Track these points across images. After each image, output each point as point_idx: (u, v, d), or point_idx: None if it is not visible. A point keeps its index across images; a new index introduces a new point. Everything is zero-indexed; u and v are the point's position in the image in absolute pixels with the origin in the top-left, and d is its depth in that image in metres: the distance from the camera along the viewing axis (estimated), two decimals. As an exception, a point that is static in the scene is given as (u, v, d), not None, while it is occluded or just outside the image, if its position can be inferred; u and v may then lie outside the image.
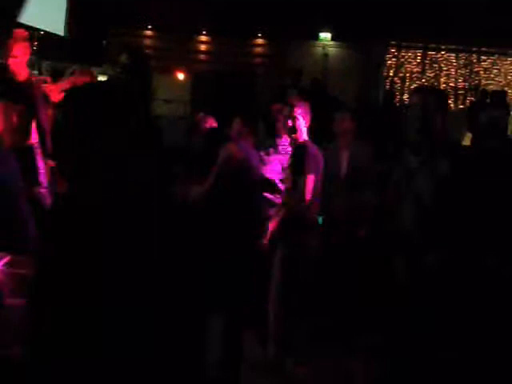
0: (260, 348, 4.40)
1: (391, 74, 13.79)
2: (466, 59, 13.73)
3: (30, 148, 4.01)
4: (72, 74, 4.47)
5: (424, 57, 13.77)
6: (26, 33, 4.50)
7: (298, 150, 4.46)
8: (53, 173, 4.09)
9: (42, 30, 6.11)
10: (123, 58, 3.38)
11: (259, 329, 4.43)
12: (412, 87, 13.63)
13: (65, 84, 4.23)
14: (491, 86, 13.18)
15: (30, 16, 5.91)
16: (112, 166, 2.01)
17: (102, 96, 2.10)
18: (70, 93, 2.10)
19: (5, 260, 2.50)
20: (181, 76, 12.00)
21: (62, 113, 2.00)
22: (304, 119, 4.49)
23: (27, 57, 4.41)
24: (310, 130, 4.61)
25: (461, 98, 13.66)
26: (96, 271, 1.92)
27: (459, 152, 3.63)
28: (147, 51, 11.53)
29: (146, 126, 2.65)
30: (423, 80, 13.71)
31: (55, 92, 4.33)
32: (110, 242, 1.98)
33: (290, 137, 4.56)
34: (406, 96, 13.69)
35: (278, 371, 4.21)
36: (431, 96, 3.45)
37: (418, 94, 3.54)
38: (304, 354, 4.23)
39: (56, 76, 4.86)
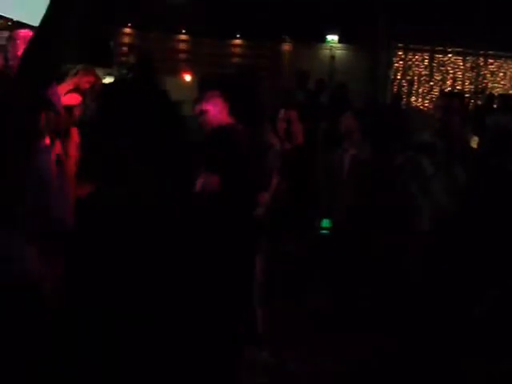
0: (256, 349, 4.39)
1: (399, 77, 13.77)
2: (473, 62, 13.70)
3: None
4: (76, 74, 4.46)
5: (431, 60, 13.75)
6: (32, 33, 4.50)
7: (293, 152, 4.46)
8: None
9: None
10: (130, 59, 3.40)
11: (253, 329, 4.43)
12: (420, 90, 13.63)
13: (68, 85, 4.22)
14: (497, 90, 13.15)
15: (31, 16, 5.91)
16: (149, 165, 2.08)
17: (138, 96, 2.14)
18: (108, 93, 2.13)
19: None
20: (188, 77, 12.03)
21: (94, 114, 2.01)
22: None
23: None
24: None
25: (467, 101, 13.62)
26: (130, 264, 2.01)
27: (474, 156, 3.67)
28: (154, 53, 11.54)
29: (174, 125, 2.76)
30: (431, 83, 13.69)
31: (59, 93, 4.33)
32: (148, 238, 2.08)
33: (284, 140, 4.55)
34: (413, 98, 13.68)
35: (273, 371, 4.21)
36: (454, 100, 3.55)
37: (443, 98, 3.66)
38: (303, 355, 4.23)
39: (61, 77, 4.85)
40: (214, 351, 3.16)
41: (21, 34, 4.43)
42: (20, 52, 4.32)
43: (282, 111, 4.57)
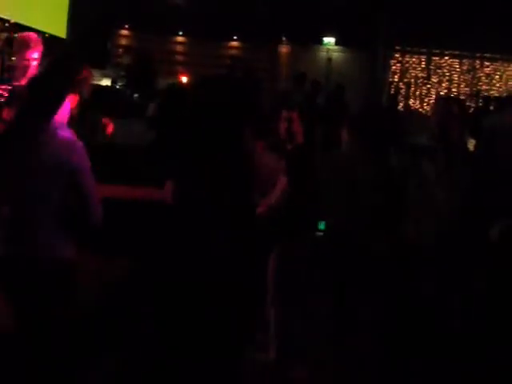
0: (260, 351, 4.40)
1: (396, 79, 13.81)
2: (469, 65, 13.75)
3: None
4: None
5: (428, 62, 13.79)
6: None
7: (294, 151, 4.47)
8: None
9: (45, 33, 6.17)
10: (124, 60, 3.43)
11: (259, 331, 4.43)
12: (417, 92, 13.67)
13: None
14: (492, 92, 13.21)
15: (32, 18, 5.94)
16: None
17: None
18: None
19: None
20: (185, 79, 12.05)
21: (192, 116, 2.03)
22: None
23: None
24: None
25: (464, 104, 13.65)
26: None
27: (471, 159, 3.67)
28: (152, 54, 11.56)
29: None
30: (428, 86, 13.73)
31: None
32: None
33: (286, 139, 4.56)
34: (411, 101, 13.71)
35: (278, 374, 4.21)
36: (453, 104, 3.55)
37: (442, 102, 3.66)
38: (304, 356, 4.23)
39: None
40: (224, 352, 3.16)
41: (33, 38, 4.48)
42: (33, 55, 4.39)
43: (285, 112, 4.57)
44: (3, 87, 4.18)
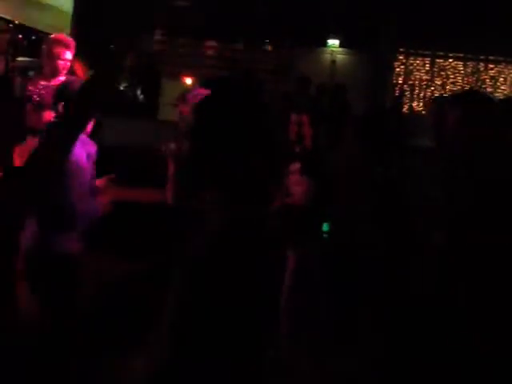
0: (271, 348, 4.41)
1: (400, 82, 13.81)
2: (473, 67, 13.74)
3: None
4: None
5: (432, 64, 13.79)
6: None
7: (308, 154, 4.52)
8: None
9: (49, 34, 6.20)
10: (128, 61, 3.46)
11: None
12: (421, 95, 13.66)
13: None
14: (497, 95, 13.16)
15: (35, 20, 5.96)
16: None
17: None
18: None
19: None
20: (188, 81, 12.07)
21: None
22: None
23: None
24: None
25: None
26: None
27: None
28: (156, 56, 11.59)
29: None
30: (432, 88, 13.72)
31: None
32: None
33: (296, 142, 4.60)
34: (415, 103, 13.71)
35: (288, 371, 4.22)
36: (447, 104, 3.53)
37: (437, 102, 3.65)
38: (305, 355, 4.25)
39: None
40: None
41: (69, 39, 4.52)
42: (68, 55, 4.43)
43: (294, 115, 4.62)
44: (41, 87, 4.17)
